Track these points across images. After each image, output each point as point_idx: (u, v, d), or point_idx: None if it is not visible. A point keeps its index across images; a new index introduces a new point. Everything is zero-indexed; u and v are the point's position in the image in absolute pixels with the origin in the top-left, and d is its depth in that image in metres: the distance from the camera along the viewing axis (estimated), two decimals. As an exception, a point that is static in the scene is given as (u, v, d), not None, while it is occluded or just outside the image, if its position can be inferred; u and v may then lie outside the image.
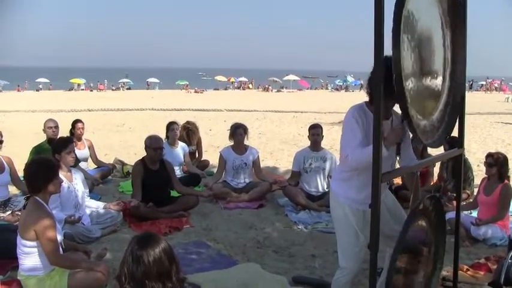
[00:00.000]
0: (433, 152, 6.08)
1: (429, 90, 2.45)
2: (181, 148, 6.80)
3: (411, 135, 3.05)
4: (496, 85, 50.03)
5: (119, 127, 14.41)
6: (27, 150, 6.02)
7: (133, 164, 5.72)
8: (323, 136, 6.00)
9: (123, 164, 7.37)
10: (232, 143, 6.23)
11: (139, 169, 5.27)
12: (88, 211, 4.74)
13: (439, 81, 2.53)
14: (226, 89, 48.97)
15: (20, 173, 4.78)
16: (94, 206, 4.90)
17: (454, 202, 3.66)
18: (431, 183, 5.94)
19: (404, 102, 2.10)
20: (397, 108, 2.69)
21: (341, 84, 52.45)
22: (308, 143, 6.03)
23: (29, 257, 2.99)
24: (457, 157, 3.02)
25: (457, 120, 2.76)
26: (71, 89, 43.17)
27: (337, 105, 22.63)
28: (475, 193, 5.21)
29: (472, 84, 48.20)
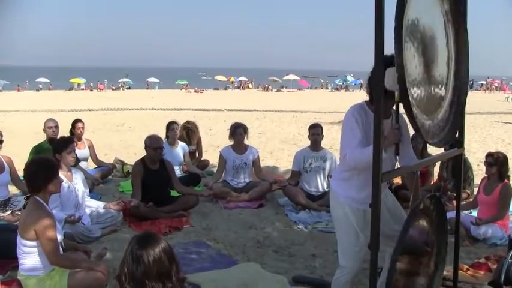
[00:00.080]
0: (433, 151, 6.09)
1: (434, 90, 2.44)
2: (181, 148, 6.80)
3: (411, 135, 3.06)
4: (496, 85, 50.07)
5: (118, 127, 14.41)
6: (27, 150, 6.02)
7: (133, 163, 5.72)
8: (323, 136, 6.00)
9: (123, 163, 7.37)
10: (232, 143, 6.23)
11: (139, 169, 5.27)
12: (88, 211, 4.74)
13: (443, 81, 2.52)
14: (226, 88, 48.96)
15: (20, 173, 4.78)
16: (94, 205, 4.90)
17: (454, 202, 3.66)
18: (432, 183, 5.94)
19: (407, 101, 2.09)
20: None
21: (341, 83, 52.45)
22: (308, 142, 6.03)
23: (29, 256, 2.99)
24: (457, 157, 3.02)
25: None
26: (71, 89, 43.17)
27: (337, 105, 22.63)
28: (475, 193, 5.22)
29: (472, 83, 48.21)
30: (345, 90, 47.34)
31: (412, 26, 2.18)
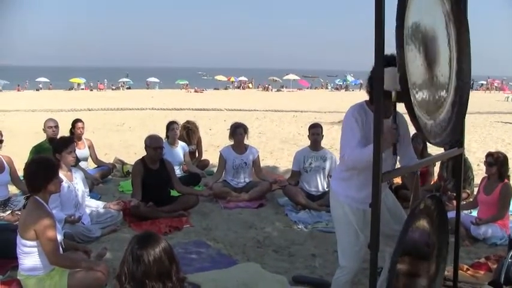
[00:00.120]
0: (433, 151, 6.09)
1: (436, 90, 2.44)
2: (181, 147, 6.80)
3: (411, 134, 3.06)
4: (496, 85, 50.10)
5: (118, 126, 14.41)
6: (27, 150, 6.02)
7: (133, 163, 5.72)
8: (323, 135, 6.00)
9: (123, 163, 7.37)
10: (232, 143, 6.23)
11: (139, 168, 5.27)
12: (88, 211, 4.73)
13: (445, 81, 2.52)
14: (226, 88, 48.96)
15: (20, 173, 4.78)
16: (94, 205, 4.90)
17: (454, 201, 3.66)
18: (431, 183, 5.94)
19: (409, 101, 2.08)
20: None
21: (341, 83, 52.47)
22: (308, 142, 6.03)
23: (29, 256, 2.99)
24: (457, 156, 3.02)
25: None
26: (70, 89, 43.18)
27: (337, 105, 22.63)
28: (475, 192, 5.22)
29: (472, 83, 48.21)
30: (345, 90, 47.35)
31: (413, 26, 2.18)
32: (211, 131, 12.92)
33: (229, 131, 6.34)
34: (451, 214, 3.39)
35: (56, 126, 6.14)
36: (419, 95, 2.25)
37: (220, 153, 6.24)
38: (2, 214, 4.73)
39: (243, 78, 53.90)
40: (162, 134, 6.36)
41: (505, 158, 4.64)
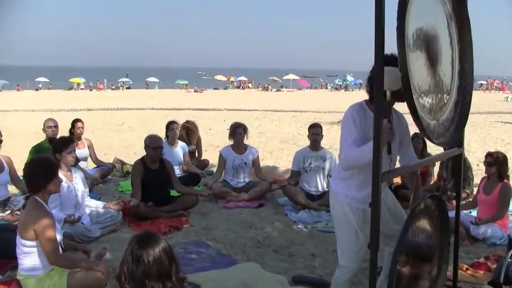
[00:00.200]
0: (432, 151, 6.09)
1: (438, 90, 2.44)
2: (180, 147, 6.80)
3: (411, 134, 3.06)
4: (495, 85, 50.12)
5: (118, 126, 14.41)
6: (27, 150, 6.01)
7: (133, 163, 5.72)
8: (323, 135, 6.00)
9: (122, 163, 7.36)
10: (232, 143, 6.23)
11: (139, 168, 5.27)
12: (88, 210, 4.73)
13: (447, 81, 2.52)
14: (226, 88, 48.97)
15: (20, 173, 4.78)
16: (94, 205, 4.90)
17: (454, 201, 3.66)
18: (431, 183, 5.94)
19: (411, 101, 2.08)
20: (396, 106, 2.70)
21: (341, 83, 52.49)
22: (308, 142, 6.03)
23: (29, 256, 2.98)
24: (456, 156, 3.02)
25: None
26: (70, 89, 43.17)
27: (337, 105, 22.63)
28: (474, 192, 5.22)
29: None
30: (345, 90, 47.36)
31: (417, 31, 2.18)
32: (210, 130, 12.92)
33: (228, 131, 6.34)
34: (451, 214, 3.39)
35: (56, 126, 6.14)
36: (426, 101, 2.25)
37: (220, 153, 6.24)
38: (2, 214, 4.73)
39: (242, 78, 53.92)
40: (161, 133, 6.36)
41: (504, 158, 4.64)
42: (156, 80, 50.20)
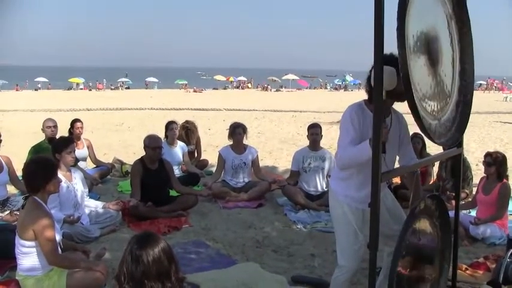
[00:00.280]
0: (432, 151, 6.09)
1: (439, 91, 2.44)
2: (180, 147, 6.80)
3: (411, 134, 3.06)
4: (495, 85, 50.17)
5: (117, 126, 14.40)
6: (26, 150, 6.01)
7: (132, 163, 5.72)
8: (322, 135, 6.00)
9: (122, 163, 7.36)
10: (231, 143, 6.22)
11: (138, 168, 5.26)
12: (87, 211, 4.73)
13: (448, 81, 2.52)
14: (225, 88, 48.98)
15: (19, 173, 4.78)
16: (93, 205, 4.89)
17: (453, 201, 3.66)
18: (430, 183, 5.95)
19: (412, 101, 2.08)
20: (395, 105, 2.70)
21: (340, 83, 52.51)
22: (307, 142, 6.03)
23: (28, 257, 2.98)
24: (456, 156, 3.02)
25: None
26: (69, 88, 43.17)
27: (336, 105, 22.64)
28: (473, 192, 5.22)
29: (472, 83, 48.15)
30: (344, 90, 47.39)
31: (418, 33, 2.18)
32: (210, 130, 12.92)
33: (228, 131, 6.34)
34: (450, 214, 3.39)
35: (55, 126, 6.13)
36: (423, 95, 2.24)
37: (219, 153, 6.23)
38: (1, 214, 4.73)
39: (242, 78, 53.93)
40: (161, 133, 6.36)
41: (503, 158, 4.65)
42: (155, 80, 50.21)
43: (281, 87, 48.15)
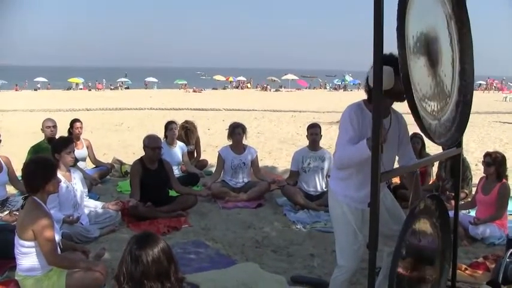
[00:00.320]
0: (431, 151, 6.10)
1: (439, 91, 2.44)
2: (179, 147, 6.80)
3: (410, 134, 3.06)
4: (494, 85, 50.21)
5: (117, 126, 14.40)
6: (25, 150, 6.00)
7: (131, 163, 5.72)
8: (321, 135, 6.00)
9: (121, 163, 7.35)
10: (230, 143, 6.22)
11: (137, 168, 5.26)
12: (86, 211, 4.72)
13: (448, 81, 2.52)
14: (224, 88, 48.98)
15: (18, 173, 4.77)
16: (92, 205, 4.89)
17: (453, 201, 3.67)
18: (430, 183, 5.95)
19: (412, 101, 2.08)
20: (394, 105, 2.70)
21: (339, 83, 52.52)
22: (306, 142, 6.03)
23: (27, 257, 2.98)
24: (455, 156, 3.02)
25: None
26: (69, 88, 43.15)
27: (336, 105, 22.64)
28: (473, 192, 5.22)
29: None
30: (344, 90, 47.40)
31: (417, 34, 2.18)
32: (209, 130, 12.91)
33: (227, 131, 6.33)
34: (450, 214, 3.40)
35: (54, 126, 6.13)
36: (423, 95, 2.25)
37: (219, 153, 6.23)
38: (0, 214, 4.72)
39: (241, 78, 53.94)
40: (160, 134, 6.35)
41: (503, 158, 4.65)
42: (154, 80, 50.19)
43: (280, 87, 48.16)
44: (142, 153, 5.47)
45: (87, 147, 6.75)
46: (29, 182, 3.05)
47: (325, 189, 5.59)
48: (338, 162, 2.72)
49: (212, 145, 9.78)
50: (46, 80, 47.17)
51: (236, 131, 6.13)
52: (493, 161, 4.60)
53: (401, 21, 2.01)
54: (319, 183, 5.77)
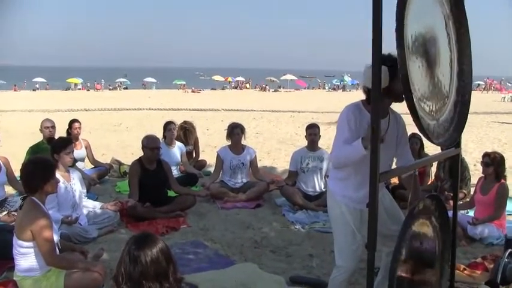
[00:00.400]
0: (430, 151, 6.10)
1: (437, 91, 2.44)
2: (178, 148, 6.80)
3: (409, 134, 3.06)
4: (493, 85, 50.26)
5: (116, 127, 14.38)
6: (24, 150, 6.00)
7: (130, 163, 5.72)
8: (320, 136, 6.00)
9: (120, 163, 7.35)
10: (229, 143, 6.22)
11: (136, 169, 5.26)
12: (85, 211, 4.72)
13: (446, 82, 2.52)
14: (223, 88, 48.96)
15: (17, 173, 4.77)
16: (91, 206, 4.88)
17: (451, 202, 3.67)
18: (428, 183, 5.95)
19: (411, 101, 2.08)
20: (394, 105, 2.70)
21: (338, 83, 52.56)
22: (305, 142, 6.03)
23: (25, 257, 2.97)
24: (454, 157, 3.02)
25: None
26: (67, 89, 43.10)
27: (334, 105, 22.63)
28: (471, 192, 5.23)
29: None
30: (342, 90, 47.42)
31: (416, 33, 2.18)
32: (208, 131, 12.91)
33: (226, 131, 6.34)
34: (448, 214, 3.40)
35: (53, 127, 6.13)
36: (422, 96, 2.25)
37: (218, 154, 6.23)
38: (-1, 215, 4.72)
39: (240, 78, 53.93)
40: (159, 134, 6.35)
41: (501, 158, 4.65)
42: (153, 80, 50.15)
43: (279, 87, 48.17)
44: (141, 153, 5.47)
45: (86, 148, 6.75)
46: (28, 182, 3.05)
47: (324, 190, 5.60)
48: (335, 162, 2.75)
49: (211, 145, 9.78)
50: (45, 81, 47.12)
51: (235, 131, 6.13)
52: (492, 161, 4.60)
53: (400, 22, 2.02)
54: (318, 184, 5.77)
